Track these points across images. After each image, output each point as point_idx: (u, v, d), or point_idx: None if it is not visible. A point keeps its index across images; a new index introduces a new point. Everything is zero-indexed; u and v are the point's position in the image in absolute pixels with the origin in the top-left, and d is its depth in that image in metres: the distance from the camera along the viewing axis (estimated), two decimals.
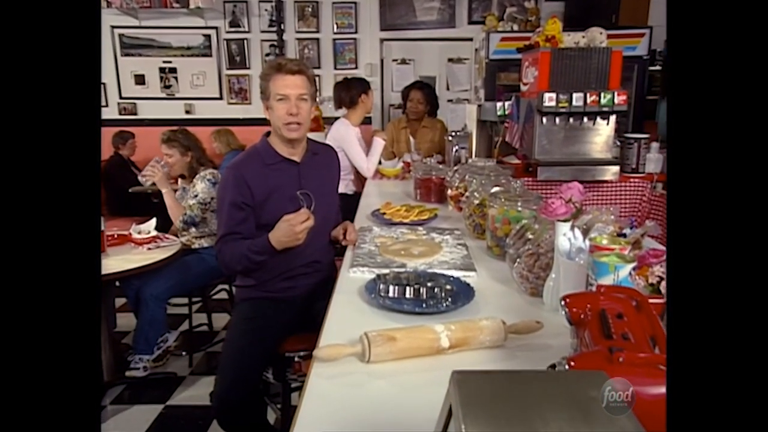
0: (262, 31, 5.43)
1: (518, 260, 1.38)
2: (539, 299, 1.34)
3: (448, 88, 5.52)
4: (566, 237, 1.21)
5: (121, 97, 5.64)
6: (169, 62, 5.56)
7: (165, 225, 3.09)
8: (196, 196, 2.87)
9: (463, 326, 1.09)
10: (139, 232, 2.75)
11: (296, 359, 1.78)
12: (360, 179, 3.48)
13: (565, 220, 1.23)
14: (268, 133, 1.94)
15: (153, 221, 2.93)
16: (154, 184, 2.89)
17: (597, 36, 2.46)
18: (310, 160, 1.94)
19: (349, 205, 2.63)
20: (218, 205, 1.90)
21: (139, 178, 2.86)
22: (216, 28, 5.44)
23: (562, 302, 0.88)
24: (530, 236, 1.39)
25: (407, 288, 1.34)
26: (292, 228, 1.66)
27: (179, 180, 3.09)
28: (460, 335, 1.07)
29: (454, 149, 2.98)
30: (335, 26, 5.40)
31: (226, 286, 3.26)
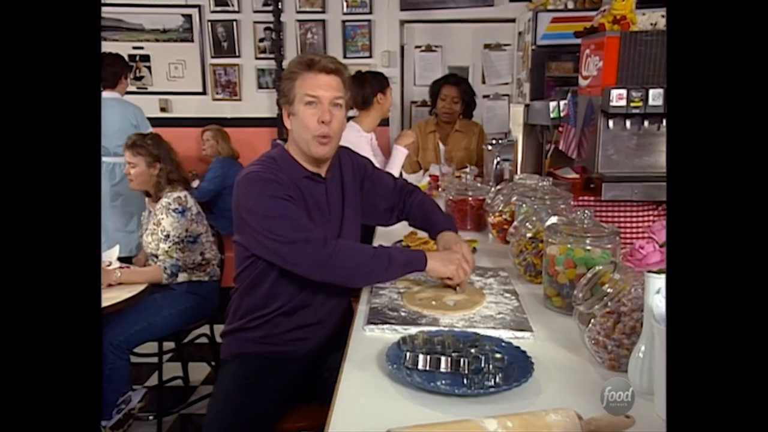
0: (255, 11, 5.38)
1: (592, 321, 1.26)
2: (623, 374, 1.21)
3: (483, 81, 5.43)
4: (662, 295, 1.09)
5: None
6: (141, 48, 5.52)
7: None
8: (167, 236, 2.75)
9: (523, 422, 0.98)
10: None
11: None
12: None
13: (659, 272, 1.11)
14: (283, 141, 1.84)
15: (116, 249, 2.86)
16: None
17: None
18: (333, 174, 1.88)
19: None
20: (260, 214, 1.65)
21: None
22: (198, 6, 5.40)
23: None
24: (608, 289, 1.27)
25: (442, 358, 1.25)
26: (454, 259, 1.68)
27: (146, 198, 2.99)
28: None
29: (495, 161, 2.88)
30: (345, 5, 5.33)
31: (207, 330, 3.16)
